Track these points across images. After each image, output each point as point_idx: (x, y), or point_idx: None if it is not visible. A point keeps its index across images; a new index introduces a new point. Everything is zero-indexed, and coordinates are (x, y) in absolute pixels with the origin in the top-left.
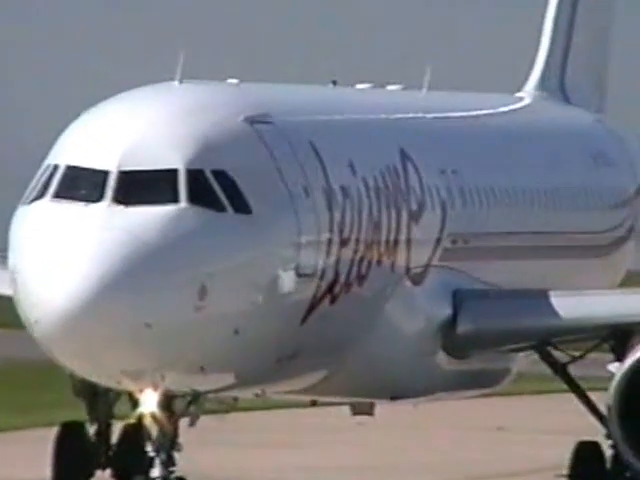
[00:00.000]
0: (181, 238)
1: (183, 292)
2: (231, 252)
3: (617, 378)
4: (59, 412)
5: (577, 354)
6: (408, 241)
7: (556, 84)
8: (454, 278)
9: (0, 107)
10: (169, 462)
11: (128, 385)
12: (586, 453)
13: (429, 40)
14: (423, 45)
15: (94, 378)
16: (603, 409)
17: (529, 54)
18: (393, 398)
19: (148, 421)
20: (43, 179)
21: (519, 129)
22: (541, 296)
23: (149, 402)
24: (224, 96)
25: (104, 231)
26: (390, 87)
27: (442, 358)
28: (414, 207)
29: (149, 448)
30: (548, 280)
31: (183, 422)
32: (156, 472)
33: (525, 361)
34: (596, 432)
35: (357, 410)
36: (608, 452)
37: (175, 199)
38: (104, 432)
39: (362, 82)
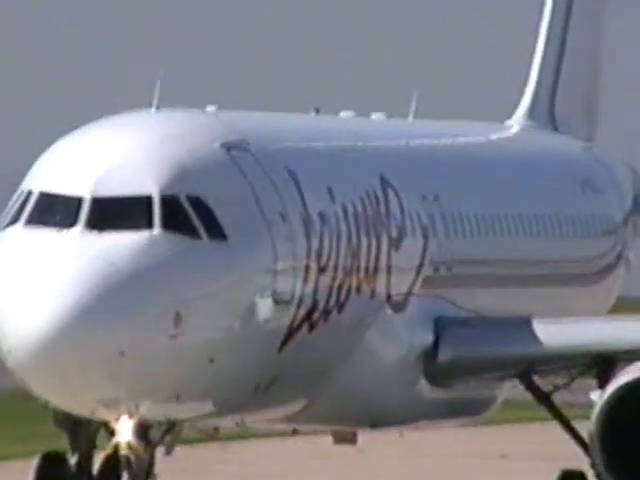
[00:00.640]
0: (155, 265)
1: (157, 320)
2: (206, 279)
3: (598, 406)
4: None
5: (562, 382)
6: (388, 268)
7: (545, 112)
8: (436, 305)
9: None
10: None
11: (103, 414)
12: None
13: (417, 68)
14: (410, 73)
15: (68, 408)
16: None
17: (518, 83)
18: (373, 426)
19: (124, 450)
20: (17, 205)
21: (506, 157)
22: (523, 324)
23: (125, 431)
24: (200, 123)
25: (77, 257)
26: (374, 115)
27: (424, 386)
28: (394, 233)
29: (125, 477)
30: (534, 308)
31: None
32: None
33: (516, 389)
34: None
35: (339, 439)
36: None
37: (149, 225)
38: (85, 462)
39: (346, 110)
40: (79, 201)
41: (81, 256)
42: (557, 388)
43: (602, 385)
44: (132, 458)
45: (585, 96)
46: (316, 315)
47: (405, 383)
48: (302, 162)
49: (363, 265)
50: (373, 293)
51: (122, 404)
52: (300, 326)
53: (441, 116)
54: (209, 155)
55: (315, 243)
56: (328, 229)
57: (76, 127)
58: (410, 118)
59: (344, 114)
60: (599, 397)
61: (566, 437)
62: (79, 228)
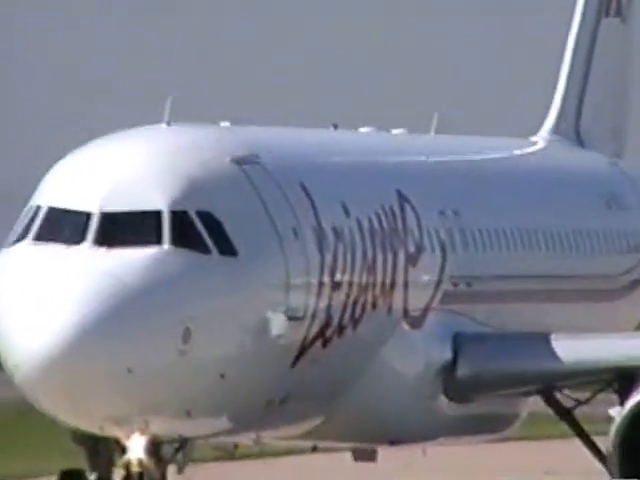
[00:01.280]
0: (164, 280)
1: (166, 336)
2: (216, 295)
3: (617, 422)
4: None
5: (583, 399)
6: (405, 284)
7: (571, 128)
8: (454, 321)
9: None
10: None
11: (112, 431)
12: None
13: (441, 84)
14: (434, 89)
15: (76, 424)
16: None
17: (545, 98)
18: (392, 443)
19: (135, 467)
20: (25, 221)
21: (529, 172)
22: (543, 340)
23: (136, 448)
24: (211, 137)
25: (84, 273)
26: (395, 131)
27: (443, 402)
28: (412, 249)
29: None
30: (557, 325)
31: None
32: None
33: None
34: None
35: (359, 456)
36: None
37: (158, 241)
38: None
39: (366, 126)
40: (87, 216)
41: (89, 272)
42: (579, 404)
43: (623, 400)
44: (144, 475)
45: (612, 111)
46: (330, 331)
47: (424, 399)
48: (315, 177)
49: (379, 280)
50: (389, 309)
51: (131, 421)
52: (314, 342)
53: (465, 132)
54: (220, 169)
55: (329, 258)
56: (342, 244)
57: (86, 142)
58: (432, 133)
59: (363, 130)
60: (618, 413)
61: None
62: (87, 244)
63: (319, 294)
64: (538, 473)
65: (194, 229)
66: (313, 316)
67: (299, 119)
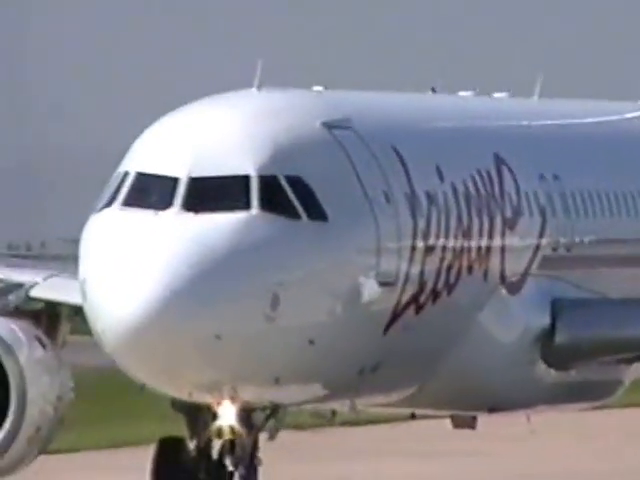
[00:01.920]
0: (252, 246)
1: (254, 302)
2: (305, 260)
3: None
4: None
5: None
6: (502, 249)
7: None
8: (553, 287)
9: (83, 112)
10: (248, 477)
11: (200, 398)
12: None
13: (545, 47)
14: (537, 52)
15: (165, 390)
16: None
17: None
18: (491, 410)
19: (226, 434)
20: (113, 186)
21: (634, 136)
22: None
23: (227, 415)
24: (302, 102)
25: (172, 239)
26: (496, 94)
27: (542, 369)
28: (509, 213)
29: (227, 462)
30: None
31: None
32: None
33: None
34: None
35: (458, 423)
36: None
37: (247, 206)
38: (205, 447)
39: (465, 89)
40: (175, 181)
41: (176, 238)
42: None
43: None
44: (235, 442)
45: None
46: (423, 297)
47: (522, 366)
48: (409, 141)
49: (474, 245)
50: (486, 274)
51: (219, 388)
52: (406, 308)
53: (571, 96)
54: (309, 134)
55: (422, 223)
56: (436, 208)
57: (176, 108)
58: (535, 97)
59: (463, 94)
60: None
61: None
62: (175, 209)
63: (411, 259)
64: None
65: (283, 194)
66: (405, 282)
67: (399, 84)
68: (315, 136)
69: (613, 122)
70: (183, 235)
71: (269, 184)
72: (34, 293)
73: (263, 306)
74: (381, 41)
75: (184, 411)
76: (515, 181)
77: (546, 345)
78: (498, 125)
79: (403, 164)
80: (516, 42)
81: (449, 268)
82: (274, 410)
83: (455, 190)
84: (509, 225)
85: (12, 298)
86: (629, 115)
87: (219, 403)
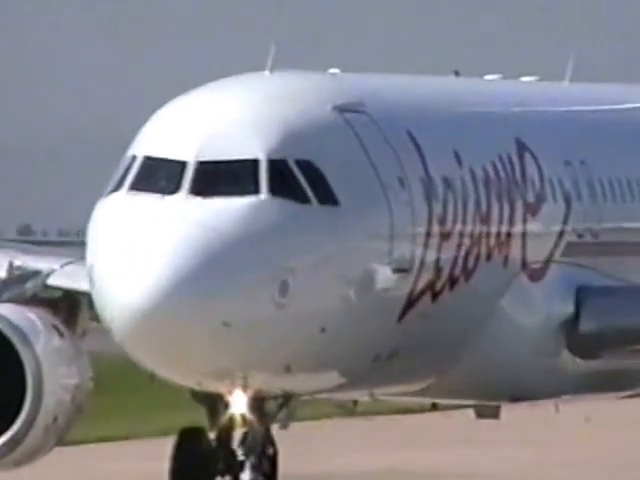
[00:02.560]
0: (260, 231)
1: (262, 288)
2: (315, 246)
3: None
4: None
5: None
6: (524, 235)
7: None
8: (578, 274)
9: (94, 97)
10: (260, 466)
11: (210, 386)
12: None
13: (576, 29)
14: (569, 34)
15: (174, 379)
16: None
17: None
18: (513, 400)
19: (238, 423)
20: (121, 171)
21: None
22: None
23: (239, 403)
24: (314, 85)
25: (179, 224)
26: (524, 78)
27: (567, 358)
28: (531, 199)
29: (239, 451)
30: None
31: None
32: (246, 476)
33: None
34: None
35: (481, 413)
36: None
37: (256, 190)
38: (225, 437)
39: (491, 73)
40: (183, 165)
41: (183, 223)
42: None
43: None
44: (246, 432)
45: None
46: (440, 284)
47: (545, 355)
48: (425, 125)
49: (494, 231)
50: (506, 261)
51: (228, 375)
52: (422, 295)
53: (606, 79)
54: (321, 117)
55: (437, 208)
56: (453, 194)
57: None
58: (565, 81)
59: (489, 77)
60: None
61: None
62: (182, 194)
63: (427, 245)
64: None
65: (293, 178)
66: (420, 268)
67: (422, 66)
68: (326, 119)
69: None
70: (190, 220)
71: (278, 168)
72: (51, 281)
73: (272, 292)
74: (405, 23)
75: (204, 402)
76: (538, 166)
77: (571, 333)
78: (522, 110)
79: (418, 148)
80: (548, 23)
81: (467, 254)
82: (286, 399)
83: (474, 175)
84: (531, 211)
85: (29, 286)
86: None
87: (230, 392)
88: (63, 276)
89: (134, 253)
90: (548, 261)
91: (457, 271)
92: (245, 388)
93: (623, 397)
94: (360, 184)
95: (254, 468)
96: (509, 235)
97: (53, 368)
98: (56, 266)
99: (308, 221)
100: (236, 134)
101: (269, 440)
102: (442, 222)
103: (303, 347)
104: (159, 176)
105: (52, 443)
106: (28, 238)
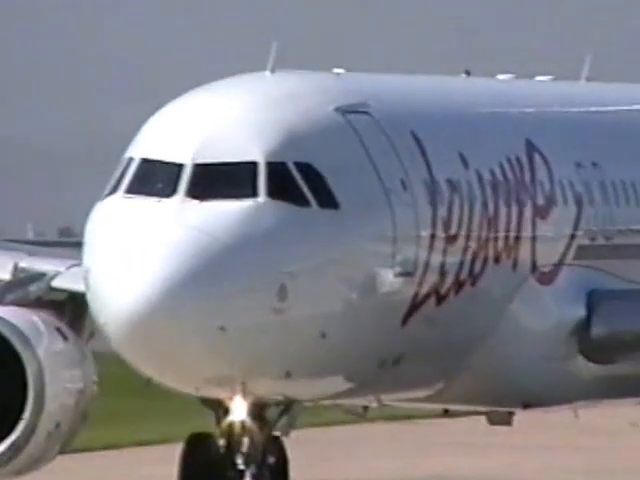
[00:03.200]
0: (259, 235)
1: (259, 293)
2: (314, 250)
3: None
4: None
5: None
6: (533, 238)
7: None
8: (590, 277)
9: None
10: (260, 476)
11: (208, 392)
12: None
13: (591, 29)
14: (584, 34)
15: (170, 385)
16: None
17: None
18: (526, 406)
19: (237, 430)
20: (118, 173)
21: None
22: None
23: (238, 410)
24: (317, 85)
25: (175, 227)
26: (539, 78)
27: (580, 363)
28: (541, 201)
29: (239, 460)
30: None
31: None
32: None
33: None
34: None
35: (494, 420)
36: None
37: (254, 193)
38: (234, 444)
39: (506, 72)
40: (180, 168)
41: (179, 227)
42: None
43: None
44: (246, 439)
45: None
46: (445, 287)
47: (557, 360)
48: (430, 126)
49: (502, 235)
50: (515, 264)
51: (226, 381)
52: (426, 299)
53: (622, 79)
54: (322, 119)
55: (442, 211)
56: (458, 197)
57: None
58: (582, 81)
59: (502, 77)
60: None
61: None
62: (179, 197)
63: (431, 249)
64: None
65: (292, 181)
66: (424, 272)
67: (433, 66)
68: (327, 121)
69: None
70: (185, 224)
71: (277, 171)
72: (56, 283)
73: (269, 297)
74: (417, 22)
75: (213, 407)
76: (548, 168)
77: (583, 338)
78: (533, 110)
79: (422, 150)
80: (565, 22)
81: (473, 258)
82: (288, 406)
83: (480, 178)
84: (540, 214)
85: (33, 288)
86: None
87: (231, 398)
88: (69, 278)
89: (130, 257)
90: (559, 264)
91: (463, 275)
92: (245, 394)
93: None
94: (361, 187)
95: (254, 478)
96: (518, 238)
97: (56, 372)
98: (62, 268)
99: (307, 225)
100: (234, 136)
101: (272, 448)
102: (447, 225)
103: (303, 353)
104: (156, 179)
105: (55, 450)
106: (70, 239)
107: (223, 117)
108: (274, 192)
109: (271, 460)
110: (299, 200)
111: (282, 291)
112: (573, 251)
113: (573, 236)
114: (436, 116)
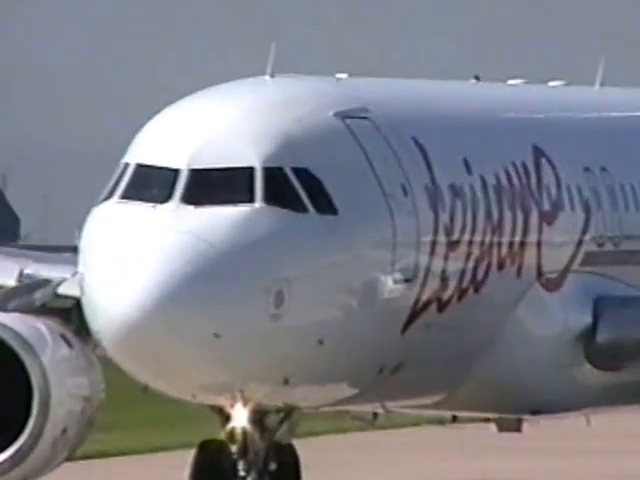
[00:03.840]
0: (255, 241)
1: (255, 299)
2: (312, 256)
3: None
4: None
5: None
6: (539, 244)
7: None
8: (597, 284)
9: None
10: None
11: (205, 399)
12: None
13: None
14: (599, 38)
15: (167, 392)
16: None
17: None
18: (534, 413)
19: (238, 437)
20: (114, 178)
21: None
22: None
23: (239, 417)
24: (316, 90)
25: (170, 233)
26: (550, 83)
27: (587, 370)
28: (547, 207)
29: (239, 467)
30: None
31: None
32: None
33: None
34: None
35: (503, 426)
36: None
37: (250, 199)
38: (246, 450)
39: (515, 77)
40: (175, 173)
41: (174, 233)
42: None
43: None
44: (247, 446)
45: None
46: (447, 294)
47: (564, 367)
48: (432, 131)
49: (506, 241)
50: (519, 271)
51: (223, 389)
52: (427, 306)
53: (638, 84)
54: (320, 123)
55: (444, 217)
56: (461, 202)
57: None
58: (596, 86)
59: (512, 82)
60: None
61: None
62: (174, 202)
63: (432, 255)
64: None
65: (290, 186)
66: (425, 279)
67: (443, 72)
68: (326, 126)
69: None
70: (181, 230)
71: (274, 176)
72: (62, 290)
73: (265, 304)
74: (428, 26)
75: (219, 414)
76: (555, 174)
77: (589, 345)
78: (541, 116)
79: (424, 156)
80: (579, 27)
81: (476, 265)
82: (288, 413)
83: (485, 183)
84: (547, 220)
85: (38, 295)
86: None
87: (232, 405)
88: (73, 285)
89: (124, 263)
90: (565, 271)
91: (466, 281)
92: (243, 401)
93: None
94: (360, 192)
95: None
96: (523, 244)
97: (61, 379)
98: (67, 275)
99: (305, 230)
100: (231, 141)
101: (274, 455)
102: (449, 231)
103: (300, 360)
104: (151, 184)
105: (62, 456)
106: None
107: (219, 122)
108: (271, 198)
109: (273, 467)
110: (296, 206)
111: (279, 297)
112: (580, 257)
113: (580, 242)
114: (439, 121)
